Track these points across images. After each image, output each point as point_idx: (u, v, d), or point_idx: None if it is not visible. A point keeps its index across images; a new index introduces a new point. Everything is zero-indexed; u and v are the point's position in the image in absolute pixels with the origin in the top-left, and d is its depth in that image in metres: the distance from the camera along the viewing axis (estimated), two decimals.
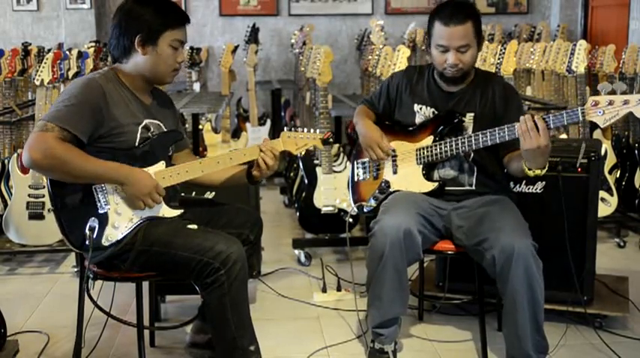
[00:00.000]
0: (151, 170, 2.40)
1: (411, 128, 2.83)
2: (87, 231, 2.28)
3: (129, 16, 2.39)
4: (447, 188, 2.77)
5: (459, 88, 2.78)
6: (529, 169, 2.51)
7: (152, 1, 2.41)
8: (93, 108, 2.29)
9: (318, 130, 2.61)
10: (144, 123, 2.43)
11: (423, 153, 2.78)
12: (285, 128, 2.60)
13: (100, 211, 2.32)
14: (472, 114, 2.75)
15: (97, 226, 2.30)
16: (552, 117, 2.43)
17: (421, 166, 2.79)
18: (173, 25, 2.40)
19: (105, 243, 2.32)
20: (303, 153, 2.74)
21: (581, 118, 2.40)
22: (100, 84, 2.35)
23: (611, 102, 2.36)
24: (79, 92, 2.30)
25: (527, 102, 4.48)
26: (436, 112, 2.79)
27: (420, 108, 2.82)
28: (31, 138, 2.22)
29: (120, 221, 2.34)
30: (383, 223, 2.59)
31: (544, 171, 2.52)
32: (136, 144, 2.39)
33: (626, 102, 2.34)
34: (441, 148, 2.72)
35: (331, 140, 2.59)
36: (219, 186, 2.66)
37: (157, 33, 2.38)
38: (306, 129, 2.59)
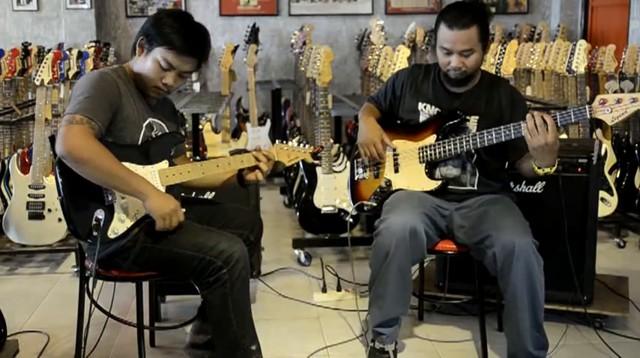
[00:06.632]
0: (156, 168, 2.41)
1: (413, 127, 2.83)
2: (94, 222, 2.26)
3: (153, 23, 2.41)
4: (449, 187, 2.77)
5: (464, 90, 2.77)
6: (539, 168, 2.51)
7: (182, 22, 2.39)
8: (110, 100, 2.31)
9: (307, 145, 2.72)
10: (148, 121, 2.45)
11: (426, 151, 2.77)
12: (277, 141, 2.68)
13: (107, 203, 2.31)
14: (477, 116, 2.74)
15: (103, 218, 2.27)
16: (559, 115, 2.42)
17: (424, 165, 2.79)
18: (176, 49, 2.36)
19: (111, 235, 2.31)
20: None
21: (588, 116, 2.38)
22: (114, 77, 2.38)
23: (619, 101, 2.35)
24: (95, 85, 2.31)
25: (527, 103, 4.47)
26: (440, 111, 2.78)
27: (425, 107, 2.81)
28: (64, 130, 2.20)
29: (126, 214, 2.33)
30: (389, 221, 2.58)
31: (554, 168, 2.52)
32: (139, 140, 2.40)
33: (634, 100, 2.33)
34: (444, 147, 2.72)
35: (320, 155, 2.67)
36: (218, 188, 2.74)
37: (153, 43, 2.38)
38: (297, 143, 2.69)
